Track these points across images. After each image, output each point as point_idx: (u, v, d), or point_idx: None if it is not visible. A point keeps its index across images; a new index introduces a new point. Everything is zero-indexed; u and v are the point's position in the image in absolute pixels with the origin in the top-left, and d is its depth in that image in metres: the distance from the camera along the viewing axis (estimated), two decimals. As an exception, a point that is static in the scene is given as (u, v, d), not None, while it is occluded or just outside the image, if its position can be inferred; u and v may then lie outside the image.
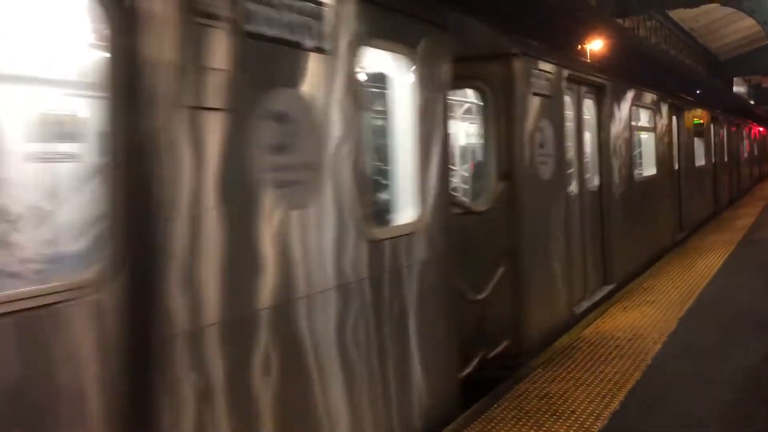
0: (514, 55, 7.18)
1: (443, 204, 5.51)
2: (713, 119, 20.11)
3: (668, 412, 5.62)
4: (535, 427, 5.40)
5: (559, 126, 8.21)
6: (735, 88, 40.82)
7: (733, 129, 24.74)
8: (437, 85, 5.48)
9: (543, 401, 5.91)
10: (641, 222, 11.74)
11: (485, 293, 6.53)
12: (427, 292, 5.22)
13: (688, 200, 15.89)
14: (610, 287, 10.05)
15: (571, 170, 9.26)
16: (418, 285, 5.11)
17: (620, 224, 10.59)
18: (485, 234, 6.93)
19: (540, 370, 6.78)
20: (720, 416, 5.53)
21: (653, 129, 12.91)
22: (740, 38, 33.97)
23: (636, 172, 12.04)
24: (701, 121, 18.15)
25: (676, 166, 15.30)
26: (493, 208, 7.02)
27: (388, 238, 4.78)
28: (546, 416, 5.57)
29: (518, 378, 6.52)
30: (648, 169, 13.00)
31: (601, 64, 9.94)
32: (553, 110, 8.06)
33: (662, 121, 13.56)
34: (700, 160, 18.00)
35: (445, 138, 5.63)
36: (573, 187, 9.20)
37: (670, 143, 14.52)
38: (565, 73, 8.49)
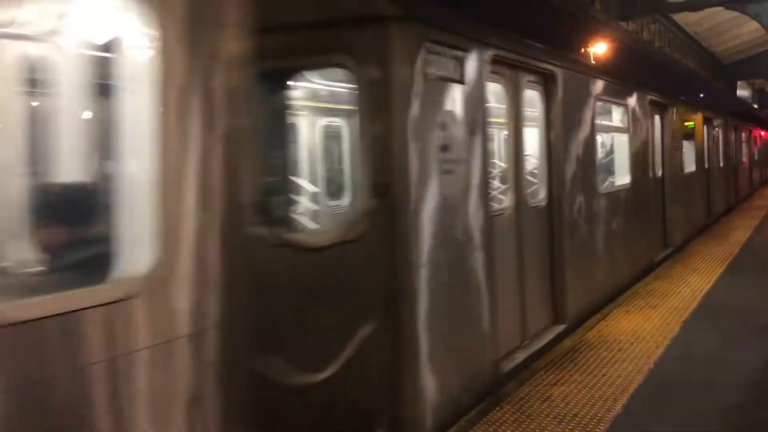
0: (394, 20, 4.92)
1: (224, 241, 3.27)
2: (707, 120, 17.74)
3: (671, 415, 5.47)
4: (538, 431, 5.29)
5: (476, 123, 5.97)
6: (739, 92, 39.40)
7: (731, 132, 22.35)
8: (211, 56, 3.25)
9: (545, 404, 5.75)
10: (609, 241, 9.45)
11: (333, 368, 4.30)
12: (173, 395, 2.99)
13: (675, 212, 13.53)
14: (561, 327, 7.79)
15: (507, 182, 7.04)
16: (151, 385, 2.87)
17: (578, 247, 8.32)
18: (344, 278, 4.70)
19: (542, 373, 6.56)
20: (724, 420, 5.38)
21: (627, 130, 10.59)
22: (744, 42, 32.85)
23: (602, 181, 9.78)
24: (692, 122, 15.82)
25: (660, 173, 12.98)
26: (360, 238, 4.80)
27: (55, 316, 2.54)
28: (548, 419, 5.43)
29: (520, 381, 6.34)
30: (621, 177, 10.67)
31: (552, 46, 7.64)
32: (467, 101, 5.82)
33: (640, 121, 11.22)
34: (690, 166, 15.64)
35: (231, 134, 3.40)
36: (506, 203, 6.96)
37: (651, 147, 12.20)
38: (490, 53, 6.24)
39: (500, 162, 6.99)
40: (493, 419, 5.47)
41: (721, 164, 20.03)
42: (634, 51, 9.84)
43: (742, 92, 42.98)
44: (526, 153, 7.49)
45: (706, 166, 17.74)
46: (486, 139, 6.17)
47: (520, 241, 7.07)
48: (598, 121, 9.33)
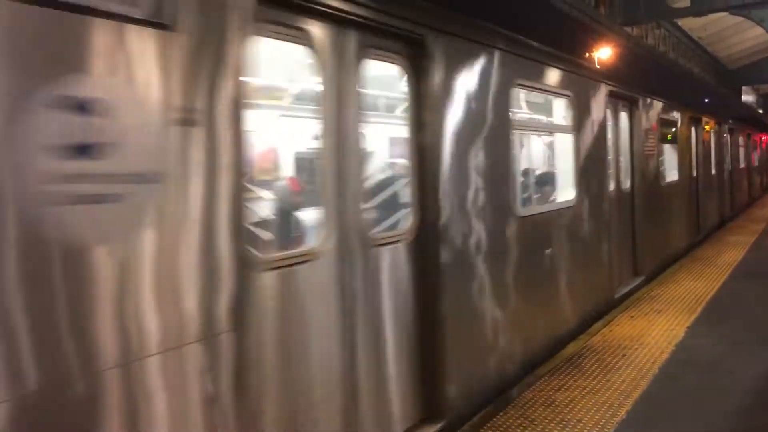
0: None
1: None
2: (694, 121, 14.67)
3: (676, 421, 5.12)
4: (541, 436, 4.92)
5: (202, 105, 3.06)
6: (744, 97, 37.32)
7: (726, 134, 19.19)
8: None
9: (549, 409, 5.37)
10: (534, 283, 6.45)
11: None
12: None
13: (648, 232, 10.51)
14: (435, 427, 4.87)
15: (322, 205, 4.15)
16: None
17: (472, 298, 5.40)
18: None
19: (546, 378, 6.10)
20: (729, 426, 5.02)
21: (572, 129, 7.63)
22: (749, 47, 31.71)
23: (529, 197, 6.88)
24: (674, 122, 12.81)
25: (628, 185, 9.99)
26: None
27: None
28: (552, 425, 5.08)
29: (525, 386, 5.86)
30: (563, 192, 7.71)
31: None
32: (174, 63, 2.94)
33: (593, 118, 8.25)
34: (672, 174, 12.62)
35: None
36: (316, 242, 4.08)
37: (613, 152, 9.24)
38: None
39: (321, 173, 4.10)
40: (497, 424, 5.13)
41: (714, 171, 16.90)
42: (578, 23, 6.91)
43: (747, 97, 41.09)
44: (371, 159, 4.62)
45: (695, 173, 14.67)
46: (239, 135, 3.28)
47: (348, 304, 4.17)
48: (518, 116, 6.41)
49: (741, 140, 22.44)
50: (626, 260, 9.65)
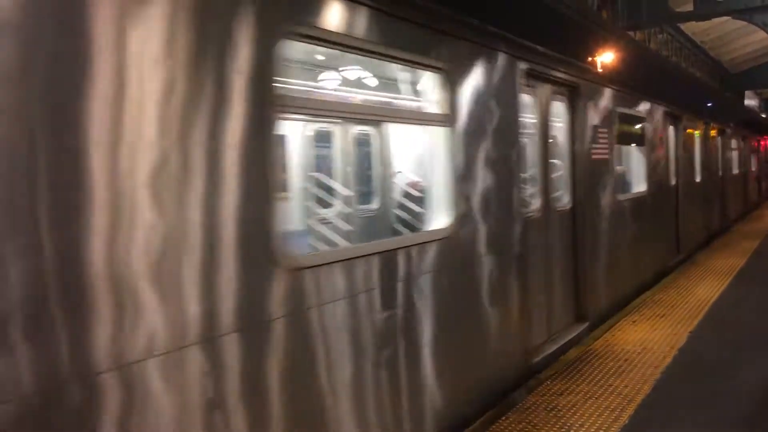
0: None
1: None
2: (673, 119, 11.78)
3: (679, 426, 4.87)
4: (544, 440, 4.64)
5: None
6: (746, 102, 35.30)
7: (716, 137, 16.23)
8: None
9: (551, 414, 5.12)
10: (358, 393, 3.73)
11: None
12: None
13: (599, 262, 7.67)
14: None
15: None
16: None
17: None
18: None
19: (549, 382, 5.81)
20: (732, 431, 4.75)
21: (450, 121, 4.62)
22: (752, 51, 30.17)
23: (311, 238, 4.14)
24: (643, 120, 9.94)
25: (566, 201, 7.19)
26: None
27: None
28: (554, 429, 4.84)
29: (527, 390, 5.58)
30: (431, 218, 4.88)
31: None
32: None
33: (498, 107, 5.41)
34: (638, 184, 9.76)
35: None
36: None
37: (539, 155, 6.45)
38: None
39: None
40: (498, 429, 4.81)
41: (698, 179, 13.95)
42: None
43: (750, 102, 38.82)
44: None
45: (674, 182, 11.79)
46: None
47: None
48: (303, 92, 3.62)
49: (734, 143, 19.44)
50: (562, 304, 6.83)
